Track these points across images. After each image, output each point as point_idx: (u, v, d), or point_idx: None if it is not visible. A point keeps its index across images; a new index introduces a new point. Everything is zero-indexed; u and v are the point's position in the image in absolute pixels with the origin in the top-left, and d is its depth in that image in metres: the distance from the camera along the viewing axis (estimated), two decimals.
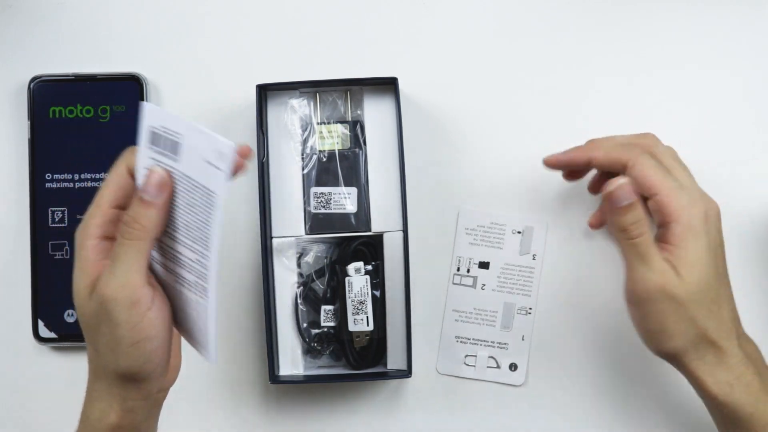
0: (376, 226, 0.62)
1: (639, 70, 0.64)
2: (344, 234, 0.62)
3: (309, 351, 0.63)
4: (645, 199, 0.53)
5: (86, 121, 0.63)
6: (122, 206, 0.47)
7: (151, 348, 0.46)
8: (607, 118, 0.64)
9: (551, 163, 0.57)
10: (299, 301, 0.63)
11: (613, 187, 0.50)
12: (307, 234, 0.62)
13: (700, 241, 0.51)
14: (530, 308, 0.64)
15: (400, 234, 0.61)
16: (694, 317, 0.50)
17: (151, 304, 0.45)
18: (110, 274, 0.44)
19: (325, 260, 0.63)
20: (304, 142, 0.63)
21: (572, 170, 0.59)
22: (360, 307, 0.61)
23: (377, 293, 0.61)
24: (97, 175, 0.63)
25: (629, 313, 0.53)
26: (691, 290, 0.50)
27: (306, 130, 0.63)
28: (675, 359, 0.52)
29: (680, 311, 0.50)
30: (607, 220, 0.52)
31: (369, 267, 0.62)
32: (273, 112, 0.63)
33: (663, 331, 0.51)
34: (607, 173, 0.57)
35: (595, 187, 0.61)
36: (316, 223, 0.62)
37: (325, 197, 0.62)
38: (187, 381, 0.64)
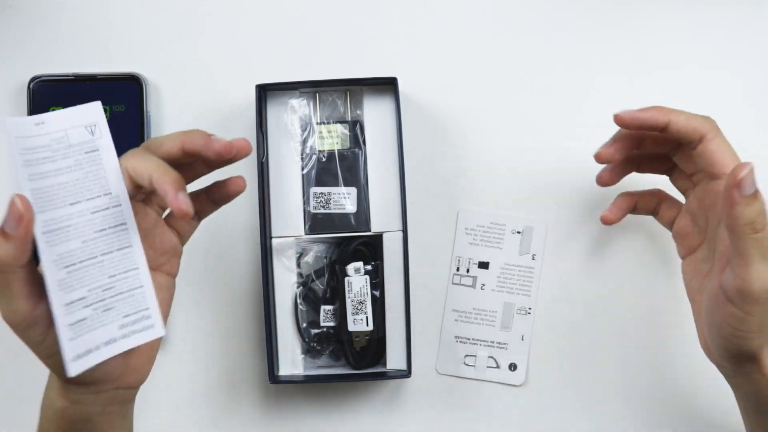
0: (375, 226, 0.62)
1: (639, 70, 0.64)
2: (344, 234, 0.62)
3: (309, 351, 0.63)
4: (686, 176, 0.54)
5: None
6: None
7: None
8: (607, 118, 0.64)
9: (625, 122, 0.52)
10: (299, 301, 0.63)
11: (745, 173, 0.45)
12: (306, 234, 0.62)
13: None
14: (530, 308, 0.64)
15: (400, 234, 0.61)
16: None
17: (51, 322, 0.43)
18: None
19: (325, 260, 0.63)
20: (304, 142, 0.63)
21: (618, 163, 0.56)
22: (360, 307, 0.61)
23: (377, 293, 0.61)
24: None
25: (722, 314, 0.48)
26: None
27: (306, 130, 0.63)
28: (750, 359, 0.49)
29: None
30: (726, 211, 0.46)
31: (369, 267, 0.62)
32: (273, 112, 0.63)
33: (760, 330, 0.47)
34: (626, 166, 0.57)
35: (610, 177, 0.57)
36: (316, 223, 0.62)
37: (325, 197, 0.62)
38: (187, 381, 0.64)
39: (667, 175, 0.57)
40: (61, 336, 0.43)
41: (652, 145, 0.55)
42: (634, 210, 0.58)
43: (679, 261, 0.56)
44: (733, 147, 0.51)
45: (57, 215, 0.42)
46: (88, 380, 0.46)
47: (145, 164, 0.45)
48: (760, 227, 0.45)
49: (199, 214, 0.52)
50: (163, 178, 0.44)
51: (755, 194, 0.45)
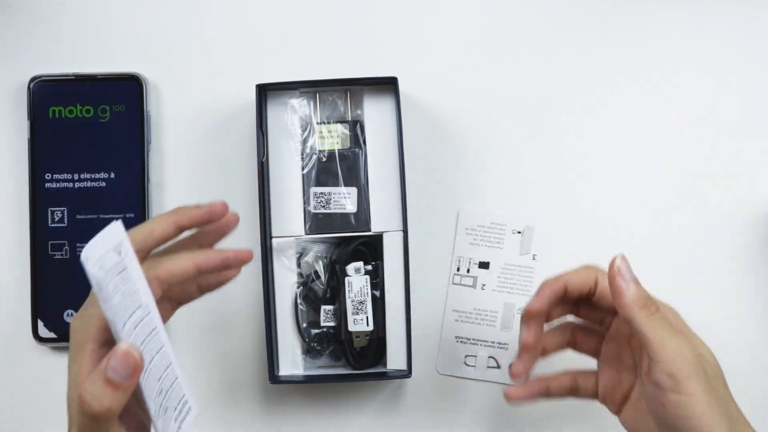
0: (376, 226, 0.62)
1: (639, 70, 0.64)
2: (344, 234, 0.62)
3: (309, 351, 0.63)
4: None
5: (86, 121, 0.63)
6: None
7: None
8: (607, 118, 0.64)
9: (533, 311, 0.51)
10: (299, 301, 0.63)
11: (620, 258, 0.47)
12: (307, 234, 0.62)
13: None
14: None
15: (400, 234, 0.61)
16: (725, 398, 0.47)
17: None
18: None
19: (325, 260, 0.63)
20: (304, 142, 0.63)
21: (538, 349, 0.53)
22: (360, 307, 0.61)
23: (377, 293, 0.61)
24: (97, 175, 0.63)
25: (671, 411, 0.46)
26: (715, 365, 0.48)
27: (306, 129, 0.63)
28: None
29: (713, 391, 0.46)
30: (619, 303, 0.47)
31: (369, 267, 0.61)
32: (273, 112, 0.63)
33: (711, 410, 0.45)
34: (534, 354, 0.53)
35: (523, 391, 0.53)
36: (316, 223, 0.62)
37: (325, 197, 0.62)
38: (187, 381, 0.64)
39: (570, 347, 0.54)
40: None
41: (558, 311, 0.53)
42: (548, 394, 0.53)
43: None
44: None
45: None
46: None
47: (180, 261, 0.46)
48: (655, 309, 0.47)
49: (181, 302, 0.51)
50: (207, 255, 0.47)
51: (635, 280, 0.47)
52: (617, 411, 0.52)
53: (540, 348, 0.53)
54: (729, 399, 0.48)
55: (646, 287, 0.50)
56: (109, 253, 0.41)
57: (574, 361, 0.55)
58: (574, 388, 0.53)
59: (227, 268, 0.49)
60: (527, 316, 0.51)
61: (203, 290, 0.51)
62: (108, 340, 0.43)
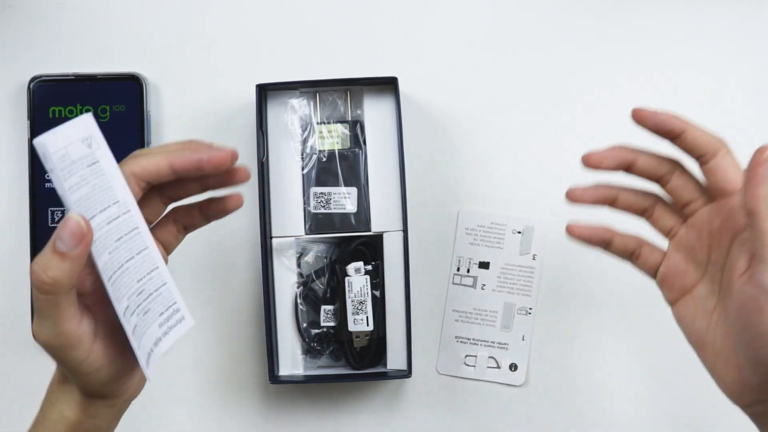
0: (376, 226, 0.62)
1: (639, 70, 0.64)
2: (344, 234, 0.62)
3: (309, 351, 0.63)
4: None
5: None
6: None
7: (109, 374, 0.44)
8: (607, 118, 0.64)
9: (642, 118, 0.48)
10: (299, 301, 0.63)
11: None
12: (307, 234, 0.62)
13: None
14: (530, 308, 0.64)
15: (400, 234, 0.61)
16: None
17: (94, 337, 0.43)
18: (39, 325, 0.42)
19: (325, 260, 0.63)
20: (304, 141, 0.63)
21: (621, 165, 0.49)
22: (360, 307, 0.61)
23: (377, 293, 0.61)
24: None
25: (756, 309, 0.43)
26: None
27: (306, 129, 0.63)
28: None
29: None
30: (749, 194, 0.43)
31: (369, 267, 0.61)
32: (273, 112, 0.63)
33: None
34: (603, 191, 0.50)
35: (583, 194, 0.51)
36: (316, 223, 0.62)
37: (325, 197, 0.62)
38: (187, 381, 0.64)
39: (645, 216, 0.51)
40: (133, 345, 0.42)
41: (644, 166, 0.50)
42: (608, 247, 0.51)
43: None
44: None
45: None
46: (110, 393, 0.46)
47: (155, 158, 0.44)
48: None
49: (187, 228, 0.50)
50: (183, 154, 0.44)
51: None
52: (673, 301, 0.49)
53: (607, 195, 0.50)
54: None
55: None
56: (75, 144, 0.41)
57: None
58: (636, 254, 0.50)
59: (201, 172, 0.46)
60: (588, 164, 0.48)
61: (207, 218, 0.50)
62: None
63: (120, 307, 0.42)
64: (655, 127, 0.48)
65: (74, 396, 0.45)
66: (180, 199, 0.48)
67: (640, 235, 0.51)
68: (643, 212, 0.51)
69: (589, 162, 0.49)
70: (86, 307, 0.43)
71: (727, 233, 0.47)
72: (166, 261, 0.49)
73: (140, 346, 0.43)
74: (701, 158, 0.47)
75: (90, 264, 0.42)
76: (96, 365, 0.43)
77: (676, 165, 0.49)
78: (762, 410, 0.45)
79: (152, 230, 0.48)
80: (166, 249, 0.49)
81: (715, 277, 0.47)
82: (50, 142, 0.40)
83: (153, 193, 0.47)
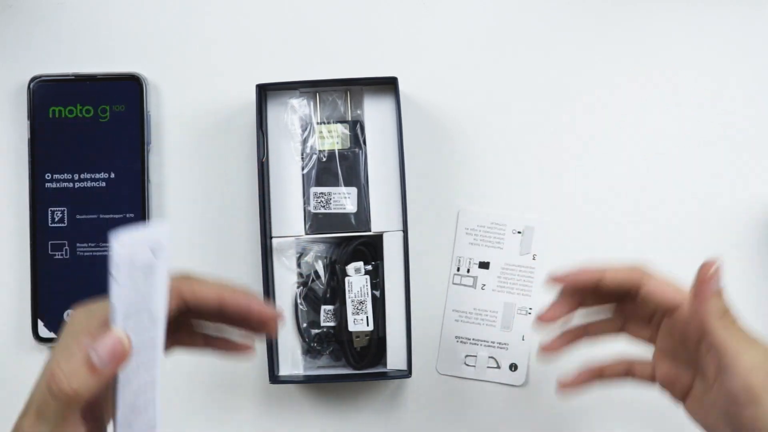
0: (376, 226, 0.62)
1: (639, 70, 0.64)
2: (344, 234, 0.62)
3: (309, 351, 0.63)
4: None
5: (86, 121, 0.63)
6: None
7: None
8: (607, 118, 0.64)
9: (558, 281, 0.50)
10: (299, 301, 0.63)
11: (713, 270, 0.45)
12: (307, 234, 0.62)
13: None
14: (530, 308, 0.64)
15: (400, 234, 0.61)
16: None
17: None
18: (33, 425, 0.39)
19: (325, 260, 0.63)
20: (304, 141, 0.63)
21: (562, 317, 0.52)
22: (360, 307, 0.61)
23: (377, 293, 0.61)
24: (97, 175, 0.63)
25: (734, 416, 0.45)
26: None
27: (306, 129, 0.63)
28: None
29: None
30: (697, 309, 0.46)
31: (369, 267, 0.61)
32: (273, 112, 0.63)
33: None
34: (575, 332, 0.52)
35: (556, 343, 0.52)
36: (316, 223, 0.62)
37: (325, 197, 0.62)
38: (187, 381, 0.64)
39: (623, 331, 0.52)
40: None
41: (594, 301, 0.52)
42: (600, 378, 0.52)
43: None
44: (668, 276, 0.50)
45: None
46: None
47: (209, 288, 0.44)
48: (734, 319, 0.45)
49: (179, 343, 0.47)
50: (238, 294, 0.44)
51: (721, 291, 0.46)
52: (681, 401, 0.50)
53: (571, 331, 0.52)
54: None
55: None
56: (143, 248, 0.40)
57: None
58: (630, 374, 0.52)
59: (249, 317, 0.45)
60: (552, 283, 0.50)
61: (208, 347, 0.48)
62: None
63: (118, 421, 0.41)
64: (573, 287, 0.50)
65: None
66: (183, 343, 0.47)
67: (626, 354, 0.52)
68: (619, 331, 0.52)
69: (543, 319, 0.51)
70: (85, 414, 0.40)
71: (691, 339, 0.48)
72: None
73: None
74: (630, 293, 0.49)
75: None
76: None
77: (616, 293, 0.50)
78: None
79: None
80: None
81: (704, 376, 0.48)
82: (124, 241, 0.39)
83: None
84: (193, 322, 0.47)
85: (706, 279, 0.45)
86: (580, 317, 0.52)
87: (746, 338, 0.45)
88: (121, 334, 0.38)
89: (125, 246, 0.39)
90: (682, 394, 0.50)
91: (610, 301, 0.52)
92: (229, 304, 0.44)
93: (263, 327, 0.46)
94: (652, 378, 0.51)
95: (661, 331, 0.50)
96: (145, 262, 0.40)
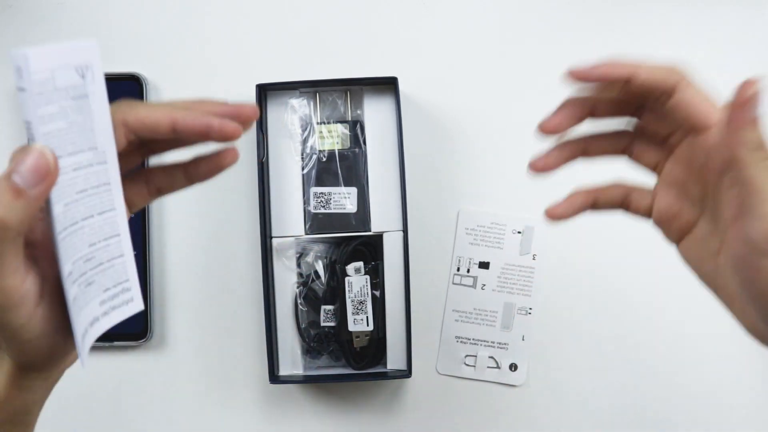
0: (376, 226, 0.62)
1: None
2: (344, 234, 0.62)
3: (309, 351, 0.63)
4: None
5: None
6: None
7: (51, 343, 0.37)
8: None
9: (579, 76, 0.43)
10: (299, 301, 0.63)
11: (752, 91, 0.37)
12: (307, 234, 0.62)
13: None
14: (530, 308, 0.64)
15: (400, 234, 0.61)
16: None
17: (39, 298, 0.36)
18: None
19: (325, 260, 0.63)
20: (304, 141, 0.63)
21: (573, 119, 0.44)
22: (360, 307, 0.61)
23: (377, 293, 0.61)
24: None
25: (751, 267, 0.38)
26: None
27: (306, 129, 0.63)
28: None
29: None
30: (727, 136, 0.38)
31: (369, 267, 0.61)
32: (273, 112, 0.63)
33: None
34: (570, 147, 0.45)
35: (548, 161, 0.46)
36: (316, 223, 0.62)
37: (325, 197, 0.62)
38: (187, 381, 0.64)
39: (625, 154, 0.46)
40: (72, 318, 0.36)
41: (607, 110, 0.44)
42: (594, 206, 0.45)
43: None
44: (706, 89, 0.43)
45: None
46: (49, 365, 0.39)
47: (157, 111, 0.38)
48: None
49: (161, 190, 0.43)
50: (190, 114, 0.38)
51: (758, 118, 0.38)
52: (675, 241, 0.44)
53: (567, 145, 0.45)
54: None
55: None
56: (67, 69, 0.34)
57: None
58: (626, 203, 0.45)
59: (209, 138, 0.39)
60: (572, 79, 0.42)
61: (192, 178, 0.43)
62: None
63: (63, 271, 0.35)
64: (599, 82, 0.43)
65: (4, 367, 0.38)
66: (164, 190, 0.43)
67: (624, 180, 0.45)
68: (622, 152, 0.45)
69: (546, 128, 0.44)
70: (34, 260, 0.36)
71: (713, 170, 0.41)
72: (128, 216, 0.42)
73: (77, 322, 0.36)
74: (659, 101, 0.42)
75: (44, 209, 0.35)
76: (37, 332, 0.36)
77: (645, 98, 0.43)
78: None
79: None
80: (129, 208, 0.42)
81: (714, 215, 0.41)
82: (35, 58, 0.33)
83: (133, 149, 0.41)
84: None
85: (744, 101, 0.37)
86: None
87: None
88: (42, 148, 0.33)
89: (38, 62, 0.33)
90: (678, 234, 0.43)
91: (628, 111, 0.44)
92: (184, 126, 0.38)
93: (231, 135, 0.39)
94: (648, 212, 0.44)
95: (676, 155, 0.43)
96: (71, 85, 0.34)
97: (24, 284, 0.35)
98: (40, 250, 0.36)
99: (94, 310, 0.37)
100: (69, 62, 0.34)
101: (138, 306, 0.40)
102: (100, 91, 0.36)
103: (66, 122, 0.34)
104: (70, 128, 0.35)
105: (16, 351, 0.37)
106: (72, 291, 0.36)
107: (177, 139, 0.40)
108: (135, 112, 0.38)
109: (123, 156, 0.39)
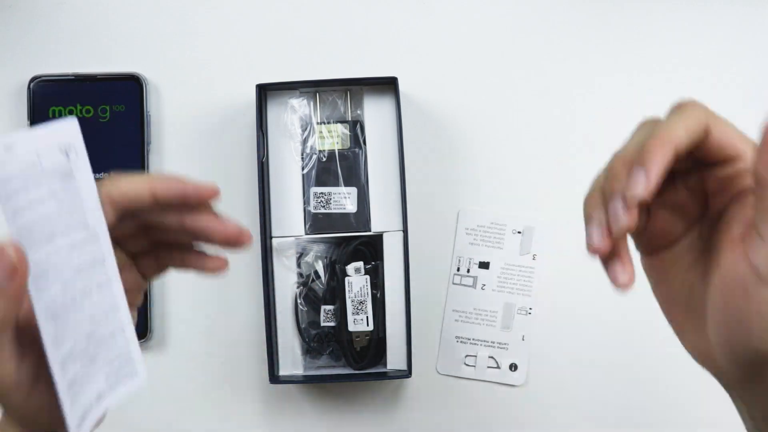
0: (376, 226, 0.62)
1: (639, 69, 0.64)
2: (344, 234, 0.62)
3: (309, 351, 0.63)
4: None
5: (86, 121, 0.63)
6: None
7: (54, 415, 0.37)
8: (607, 118, 0.64)
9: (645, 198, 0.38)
10: (299, 301, 0.63)
11: None
12: (307, 234, 0.62)
13: None
14: (530, 308, 0.64)
15: (400, 234, 0.61)
16: None
17: (35, 381, 0.37)
18: None
19: (325, 260, 0.63)
20: (304, 141, 0.63)
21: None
22: (360, 307, 0.61)
23: (377, 293, 0.61)
24: (97, 175, 0.62)
25: (755, 304, 0.37)
26: None
27: (306, 129, 0.63)
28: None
29: None
30: (760, 162, 0.37)
31: (369, 267, 0.61)
32: (273, 112, 0.63)
33: None
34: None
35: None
36: (316, 223, 0.62)
37: (325, 197, 0.62)
38: (187, 381, 0.64)
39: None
40: (63, 403, 0.35)
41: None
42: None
43: None
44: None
45: (38, 257, 0.34)
46: (57, 428, 0.38)
47: (136, 182, 0.40)
48: None
49: (147, 275, 0.44)
50: (171, 181, 0.40)
51: None
52: (646, 252, 0.43)
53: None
54: None
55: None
56: (51, 150, 0.34)
57: None
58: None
59: (186, 203, 0.41)
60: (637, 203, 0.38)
61: (182, 262, 0.44)
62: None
63: (58, 352, 0.35)
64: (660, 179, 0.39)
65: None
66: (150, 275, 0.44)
67: None
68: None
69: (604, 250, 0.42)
70: (29, 344, 0.37)
71: (726, 192, 0.40)
72: (145, 286, 0.44)
73: (74, 404, 0.36)
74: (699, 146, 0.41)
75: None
76: (37, 407, 0.37)
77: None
78: (730, 383, 0.41)
79: (134, 262, 0.44)
80: (147, 278, 0.44)
81: (703, 234, 0.41)
82: (21, 143, 0.32)
83: (139, 233, 0.42)
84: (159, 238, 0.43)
85: None
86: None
87: None
88: (5, 247, 0.33)
89: (24, 148, 0.32)
90: (654, 247, 0.43)
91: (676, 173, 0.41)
92: (162, 192, 0.40)
93: (201, 207, 0.41)
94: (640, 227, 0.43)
95: (684, 181, 0.42)
96: (56, 164, 0.34)
97: (18, 371, 0.36)
98: (36, 332, 0.36)
99: (100, 385, 0.38)
100: (53, 142, 0.34)
101: (142, 381, 0.40)
102: (84, 168, 0.36)
103: (57, 203, 0.34)
104: (61, 208, 0.35)
105: (19, 422, 0.39)
106: (70, 370, 0.36)
107: (159, 208, 0.41)
108: (117, 186, 0.40)
109: (131, 238, 0.42)
